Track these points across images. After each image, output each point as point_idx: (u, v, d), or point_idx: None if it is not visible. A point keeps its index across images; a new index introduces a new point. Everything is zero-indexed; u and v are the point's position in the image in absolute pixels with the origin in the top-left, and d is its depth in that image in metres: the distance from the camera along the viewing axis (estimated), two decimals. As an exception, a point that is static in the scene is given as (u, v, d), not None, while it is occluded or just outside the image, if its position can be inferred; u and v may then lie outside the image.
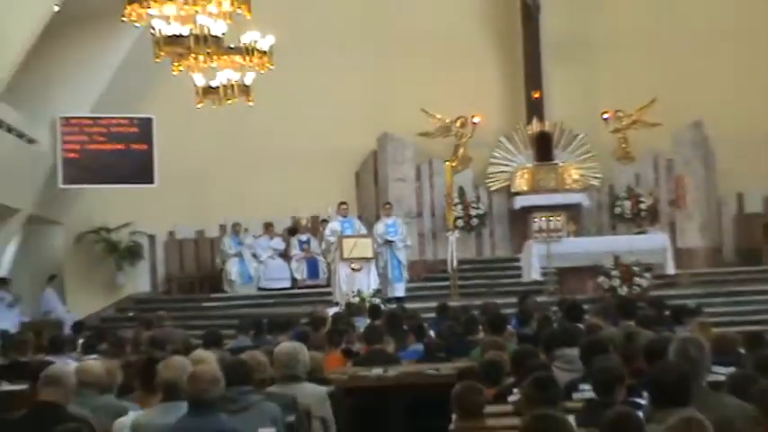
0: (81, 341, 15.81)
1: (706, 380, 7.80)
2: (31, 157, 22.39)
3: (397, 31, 25.40)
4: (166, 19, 14.73)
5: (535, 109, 26.14)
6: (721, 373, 8.50)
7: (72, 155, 22.94)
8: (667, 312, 15.63)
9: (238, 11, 14.63)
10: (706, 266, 25.09)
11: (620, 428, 5.86)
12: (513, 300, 19.60)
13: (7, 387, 11.94)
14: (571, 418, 6.76)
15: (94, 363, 10.72)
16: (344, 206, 24.47)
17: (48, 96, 22.32)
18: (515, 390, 9.08)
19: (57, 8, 18.93)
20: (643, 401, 7.74)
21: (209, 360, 9.25)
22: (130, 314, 22.81)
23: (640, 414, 6.72)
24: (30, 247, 25.54)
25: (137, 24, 15.49)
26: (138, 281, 25.81)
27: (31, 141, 22.09)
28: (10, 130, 20.76)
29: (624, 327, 12.87)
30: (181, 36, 15.03)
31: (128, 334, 16.78)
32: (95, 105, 23.33)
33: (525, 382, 8.07)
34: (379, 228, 24.04)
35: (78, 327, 18.60)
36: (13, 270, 24.56)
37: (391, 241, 23.89)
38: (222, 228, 26.23)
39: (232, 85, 17.32)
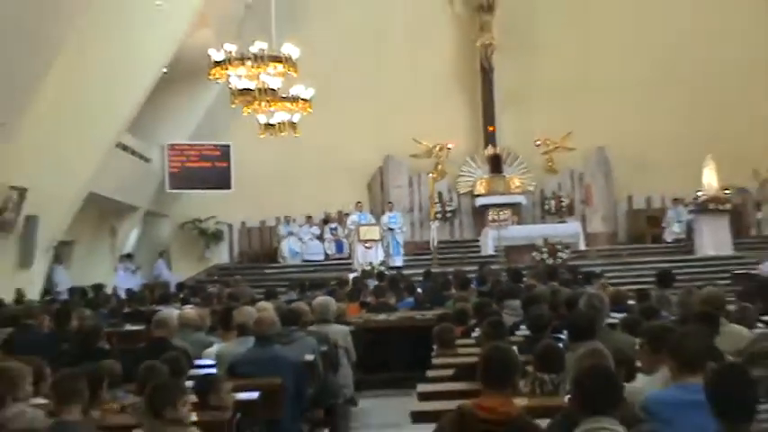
0: (181, 296, 16.99)
1: (606, 322, 8.62)
2: (147, 171, 23.69)
3: (397, 85, 27.13)
4: (239, 77, 16.02)
5: (490, 139, 28.03)
6: (616, 317, 9.23)
7: (175, 169, 24.57)
8: (579, 276, 17.14)
9: (289, 71, 16.02)
10: (606, 245, 27.07)
11: (548, 356, 6.47)
12: (475, 267, 21.02)
13: (131, 328, 12.88)
14: (515, 348, 6.77)
15: (190, 310, 11.65)
16: (360, 204, 26.45)
17: (158, 129, 23.71)
18: (476, 329, 9.91)
19: (165, 70, 20.05)
20: (563, 337, 8.28)
21: (268, 309, 10.04)
22: (215, 278, 24.16)
23: (561, 345, 7.34)
24: (146, 232, 27.13)
25: (219, 81, 16.78)
26: (220, 255, 27.65)
27: (147, 160, 23.48)
28: (133, 152, 22.14)
29: (550, 286, 13.81)
30: (249, 89, 16.37)
31: (213, 291, 17.79)
32: (191, 135, 24.97)
33: (483, 324, 8.85)
34: (384, 219, 25.85)
35: (179, 286, 19.83)
36: (136, 248, 26.22)
37: (392, 228, 25.72)
38: (277, 219, 27.66)
39: (284, 123, 18.70)
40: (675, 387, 5.18)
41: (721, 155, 24.89)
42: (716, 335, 6.67)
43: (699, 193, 25.02)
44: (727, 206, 25.24)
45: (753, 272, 19.24)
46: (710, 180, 24.91)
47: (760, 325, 8.51)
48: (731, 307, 9.49)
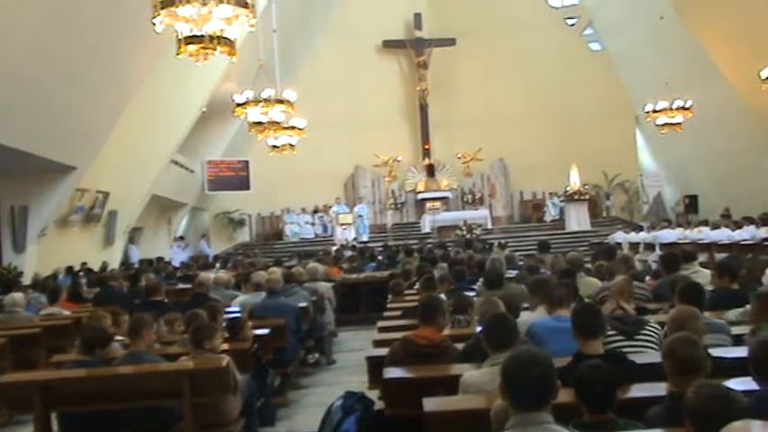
0: (217, 264, 16.83)
1: (505, 276, 8.31)
2: (192, 179, 23.53)
3: (364, 117, 27.18)
4: (255, 113, 15.61)
5: (426, 153, 28.21)
6: (512, 274, 9.15)
7: (212, 177, 24.46)
8: (487, 245, 17.30)
9: (288, 109, 15.70)
10: (505, 224, 27.23)
11: (461, 303, 6.29)
12: (417, 240, 21.48)
13: (182, 286, 12.41)
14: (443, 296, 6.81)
15: (223, 273, 11.61)
16: (339, 199, 26.51)
17: (200, 149, 23.42)
18: (417, 284, 9.67)
19: (204, 109, 20.08)
20: (476, 287, 8.21)
21: (276, 272, 9.73)
22: (239, 251, 23.77)
23: (473, 294, 7.35)
24: (192, 220, 26.92)
25: (240, 116, 16.35)
26: (243, 236, 27.55)
27: (191, 171, 23.30)
28: (182, 166, 21.93)
29: (468, 253, 14.06)
30: (261, 122, 16.16)
31: (239, 259, 17.93)
32: (223, 154, 24.73)
33: (422, 280, 8.59)
34: (355, 209, 25.83)
35: (216, 258, 19.71)
36: (185, 232, 26.04)
37: (361, 216, 25.72)
38: (282, 210, 27.55)
39: (286, 144, 18.47)
40: (550, 318, 5.18)
41: (581, 162, 25.30)
42: (576, 284, 6.51)
43: (567, 188, 25.30)
44: (586, 196, 25.57)
45: (604, 241, 19.26)
46: (575, 179, 25.22)
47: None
48: (588, 265, 9.51)
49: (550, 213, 27.56)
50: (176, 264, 18.75)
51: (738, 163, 21.68)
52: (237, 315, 7.63)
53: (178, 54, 9.28)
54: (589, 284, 7.66)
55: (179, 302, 8.87)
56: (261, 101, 15.18)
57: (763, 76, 14.19)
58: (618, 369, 3.70)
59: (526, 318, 5.55)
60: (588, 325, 4.17)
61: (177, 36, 9.10)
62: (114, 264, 17.89)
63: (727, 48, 19.06)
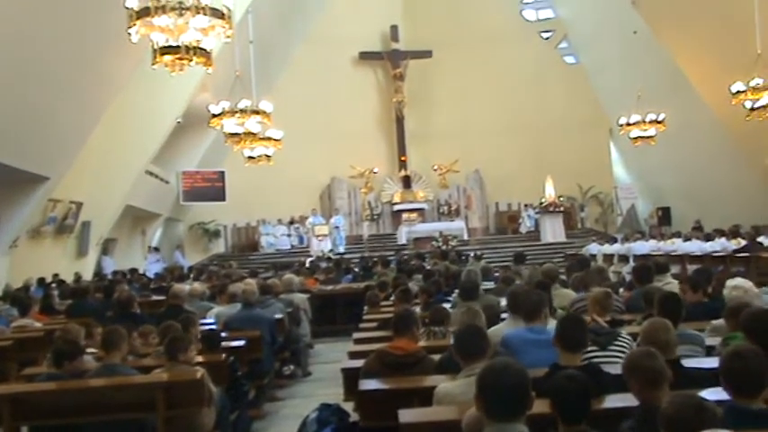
0: (191, 275, 16.47)
1: (481, 287, 8.28)
2: (167, 190, 23.35)
3: (340, 128, 26.90)
4: (230, 124, 15.51)
5: (402, 165, 28.19)
6: (487, 285, 9.27)
7: (187, 188, 24.18)
8: (463, 257, 17.73)
9: (265, 120, 15.69)
10: (481, 235, 27.00)
11: (439, 312, 6.28)
12: (393, 252, 21.43)
13: (156, 297, 12.22)
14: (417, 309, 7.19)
15: (198, 285, 11.41)
16: (315, 210, 26.34)
17: (175, 160, 23.18)
18: (393, 295, 9.46)
19: (179, 120, 19.94)
20: (451, 298, 8.28)
21: (251, 283, 9.50)
22: (215, 262, 23.36)
23: (449, 306, 7.29)
24: (167, 231, 26.58)
25: (216, 127, 16.22)
26: (219, 247, 27.38)
27: (166, 182, 23.08)
28: (157, 177, 21.81)
29: (444, 264, 14.14)
30: (237, 133, 16.05)
31: (214, 270, 17.39)
32: (198, 164, 24.48)
33: (397, 291, 8.55)
34: (332, 220, 25.69)
35: (190, 269, 19.37)
36: (160, 243, 25.72)
37: (337, 227, 25.65)
38: (258, 221, 27.36)
39: (262, 155, 18.41)
40: (524, 329, 5.16)
41: (556, 174, 25.41)
42: (550, 295, 6.63)
43: (542, 200, 25.41)
44: (561, 208, 25.73)
45: (579, 253, 19.46)
46: (550, 191, 25.34)
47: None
48: (563, 277, 9.54)
49: (526, 225, 27.67)
50: (150, 275, 18.58)
51: (710, 175, 22.03)
52: (212, 327, 7.61)
53: (154, 64, 9.26)
54: (564, 296, 7.70)
55: (153, 314, 8.80)
56: (237, 111, 15.09)
57: (734, 91, 14.41)
58: (593, 380, 3.70)
59: (501, 327, 5.58)
60: (572, 338, 4.20)
61: (153, 46, 9.06)
62: (87, 275, 17.71)
63: (700, 62, 19.41)
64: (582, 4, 27.18)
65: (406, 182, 28.01)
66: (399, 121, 28.32)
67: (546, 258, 17.44)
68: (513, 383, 2.96)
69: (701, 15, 17.76)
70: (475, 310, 5.31)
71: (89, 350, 6.09)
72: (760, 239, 14.71)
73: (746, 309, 4.48)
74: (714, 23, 17.40)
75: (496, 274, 11.13)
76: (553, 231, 25.07)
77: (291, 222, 27.60)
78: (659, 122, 19.20)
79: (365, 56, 28.71)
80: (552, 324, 5.03)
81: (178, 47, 8.96)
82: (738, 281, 5.87)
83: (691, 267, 13.59)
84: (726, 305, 5.38)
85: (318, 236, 24.91)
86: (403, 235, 25.84)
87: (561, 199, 25.75)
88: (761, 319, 4.14)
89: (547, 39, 29.85)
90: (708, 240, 15.69)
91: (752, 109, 14.43)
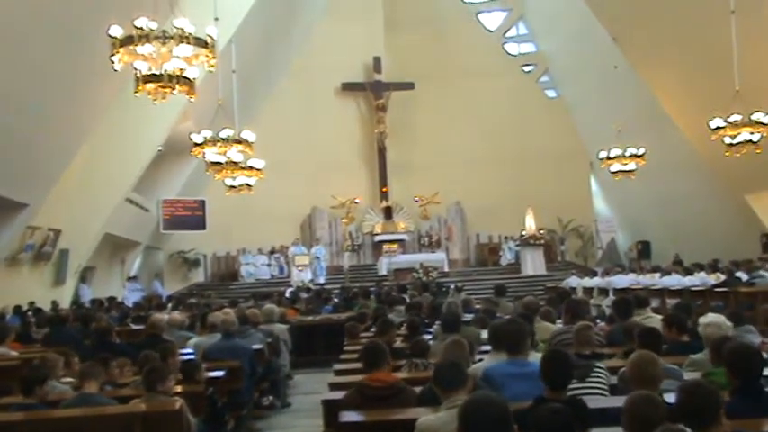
0: (170, 305, 16.41)
1: (462, 319, 8.19)
2: (147, 218, 23.08)
3: (321, 158, 26.91)
4: (212, 154, 15.42)
5: (384, 196, 28.10)
6: (468, 317, 9.17)
7: (167, 217, 23.97)
8: (444, 288, 17.74)
9: (246, 150, 15.61)
10: (462, 267, 27.18)
11: (419, 346, 6.33)
12: (374, 283, 21.43)
13: (136, 326, 12.24)
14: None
15: (177, 314, 11.31)
16: (298, 240, 26.28)
17: (156, 188, 23.05)
18: (373, 327, 9.53)
19: (160, 148, 19.93)
20: (432, 330, 8.30)
21: (230, 313, 9.50)
22: (194, 291, 23.75)
23: (429, 338, 7.37)
24: (146, 260, 26.35)
25: (198, 156, 16.07)
26: (198, 276, 27.25)
27: (147, 210, 22.84)
28: (137, 205, 21.60)
29: (424, 296, 14.31)
30: (219, 162, 16.18)
31: (193, 301, 17.66)
32: (179, 193, 24.37)
33: (378, 323, 8.55)
34: (312, 250, 25.61)
35: (169, 298, 19.22)
36: (139, 271, 25.53)
37: (318, 257, 25.62)
38: (238, 250, 27.32)
39: (243, 184, 18.28)
40: (506, 363, 5.15)
41: (537, 207, 25.43)
42: (532, 328, 6.64)
43: (523, 233, 25.45)
44: (542, 241, 25.75)
45: (559, 286, 19.51)
46: (530, 224, 25.37)
47: (559, 322, 8.43)
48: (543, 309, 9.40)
49: (506, 257, 27.73)
50: (129, 304, 18.41)
51: (689, 210, 22.30)
52: (191, 357, 7.54)
53: (136, 92, 9.33)
54: (545, 329, 7.72)
55: (131, 343, 8.74)
56: (219, 141, 15.05)
57: (713, 126, 14.66)
58: (577, 414, 3.73)
59: (484, 363, 5.54)
60: (559, 375, 4.25)
61: (136, 74, 9.10)
62: (65, 303, 17.49)
63: (679, 98, 19.74)
64: (563, 38, 27.53)
65: (388, 213, 28.00)
66: (381, 152, 28.37)
67: (526, 291, 17.47)
68: (495, 416, 2.99)
69: (681, 52, 18.10)
70: (460, 342, 5.32)
71: (66, 379, 6.05)
72: (738, 274, 14.81)
73: (728, 343, 4.52)
74: (694, 60, 17.74)
75: (477, 307, 11.13)
76: (533, 264, 25.08)
77: (272, 252, 27.51)
78: (639, 157, 19.46)
79: (348, 87, 28.84)
80: (534, 356, 5.09)
81: (161, 75, 9.02)
82: (711, 317, 5.89)
83: (670, 301, 13.69)
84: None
85: (299, 266, 24.80)
86: (383, 266, 25.76)
87: (542, 232, 25.79)
88: (742, 353, 4.19)
89: (528, 72, 30.20)
90: (687, 275, 15.76)
91: (730, 145, 14.60)
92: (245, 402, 7.98)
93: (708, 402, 3.26)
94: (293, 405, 9.90)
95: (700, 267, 16.15)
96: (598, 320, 8.96)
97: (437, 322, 8.31)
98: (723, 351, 4.33)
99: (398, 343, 7.90)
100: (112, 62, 8.89)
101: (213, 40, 9.35)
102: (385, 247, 27.21)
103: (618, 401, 4.23)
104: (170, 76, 9.09)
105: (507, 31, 31.11)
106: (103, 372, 5.65)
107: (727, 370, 4.22)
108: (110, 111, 15.59)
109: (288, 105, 27.04)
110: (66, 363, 6.41)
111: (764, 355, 4.65)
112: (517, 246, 26.45)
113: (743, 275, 14.68)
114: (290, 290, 20.85)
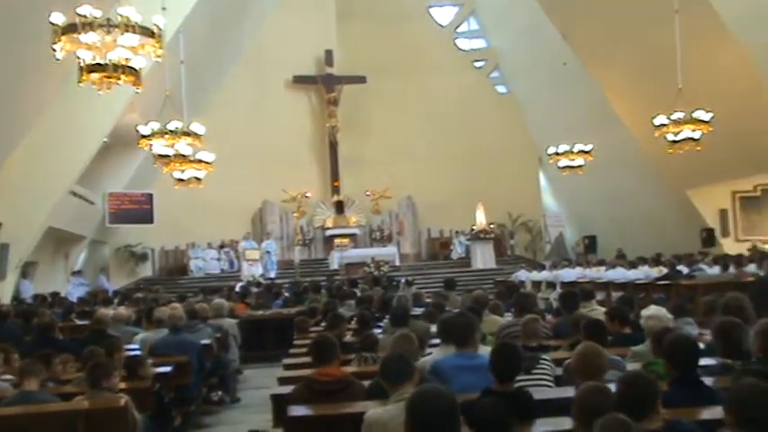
0: (116, 300, 16.12)
1: (411, 313, 8.22)
2: (92, 211, 22.68)
3: (272, 152, 26.55)
4: (162, 145, 15.17)
5: (335, 190, 28.04)
6: (418, 311, 9.12)
7: (113, 210, 23.63)
8: (394, 282, 17.41)
9: (196, 142, 15.31)
10: (413, 261, 27.41)
11: (369, 339, 6.37)
12: (325, 277, 21.00)
13: (80, 322, 12.03)
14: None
15: (123, 310, 11.35)
16: (248, 234, 25.94)
17: (101, 181, 22.54)
18: (324, 321, 9.52)
19: (106, 140, 19.53)
20: (382, 324, 8.31)
21: (178, 308, 9.56)
22: (141, 286, 22.93)
23: (379, 332, 7.45)
24: (91, 255, 25.62)
25: (145, 148, 15.99)
26: (146, 270, 26.80)
27: (92, 203, 22.40)
28: (82, 197, 21.13)
29: (376, 289, 14.16)
30: (167, 155, 15.78)
31: (139, 296, 17.25)
32: (125, 186, 23.94)
33: (328, 317, 8.42)
34: (263, 245, 25.36)
35: (115, 293, 19.02)
36: (84, 266, 24.61)
37: (269, 251, 25.38)
38: (187, 244, 26.92)
39: (193, 178, 17.95)
40: (454, 355, 5.19)
41: (487, 202, 25.65)
42: (480, 322, 6.63)
43: (473, 227, 25.65)
44: (492, 235, 26.00)
45: (508, 279, 19.77)
46: (481, 218, 25.57)
47: (508, 315, 8.56)
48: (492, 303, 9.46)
49: (457, 251, 27.90)
50: (73, 299, 17.97)
51: (634, 205, 22.83)
52: (137, 352, 7.40)
53: (80, 82, 9.15)
54: (493, 322, 7.77)
55: (75, 339, 8.61)
56: (167, 133, 14.77)
57: (657, 124, 14.97)
58: (524, 406, 3.77)
59: (432, 356, 5.57)
60: (507, 368, 4.30)
61: (80, 63, 8.90)
62: (5, 299, 17.05)
63: (626, 95, 20.12)
64: (513, 34, 27.78)
65: (339, 207, 27.95)
66: (333, 145, 28.29)
67: (476, 285, 17.49)
68: (442, 409, 3.01)
69: (628, 50, 18.44)
70: (409, 336, 5.33)
71: (5, 377, 5.92)
72: (680, 268, 15.15)
73: (667, 335, 4.62)
74: (640, 58, 18.10)
75: (427, 300, 11.16)
76: (483, 258, 25.29)
77: (222, 246, 27.23)
78: (587, 153, 19.79)
79: (299, 79, 28.71)
80: (483, 349, 5.17)
81: (106, 65, 8.84)
82: (653, 309, 6.02)
83: (615, 294, 13.89)
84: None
85: (249, 260, 24.58)
86: (335, 260, 25.75)
87: (492, 226, 26.00)
88: (681, 344, 4.29)
89: (479, 68, 30.42)
90: (632, 268, 16.10)
91: (674, 142, 14.93)
92: (193, 398, 7.90)
93: (646, 393, 3.35)
94: (243, 400, 9.85)
95: (643, 261, 16.50)
96: (546, 314, 8.93)
97: (387, 316, 8.32)
98: (663, 342, 4.44)
99: (348, 337, 7.91)
100: (54, 50, 8.61)
101: (160, 29, 9.18)
102: (336, 241, 27.18)
103: (563, 392, 4.40)
104: (115, 65, 8.91)
105: (459, 26, 31.18)
106: (44, 369, 5.54)
107: (665, 361, 4.33)
108: (53, 101, 15.24)
109: (238, 98, 26.74)
110: (6, 360, 6.29)
111: (701, 345, 4.78)
112: (468, 240, 26.60)
113: (684, 269, 15.02)
114: (240, 284, 20.63)
